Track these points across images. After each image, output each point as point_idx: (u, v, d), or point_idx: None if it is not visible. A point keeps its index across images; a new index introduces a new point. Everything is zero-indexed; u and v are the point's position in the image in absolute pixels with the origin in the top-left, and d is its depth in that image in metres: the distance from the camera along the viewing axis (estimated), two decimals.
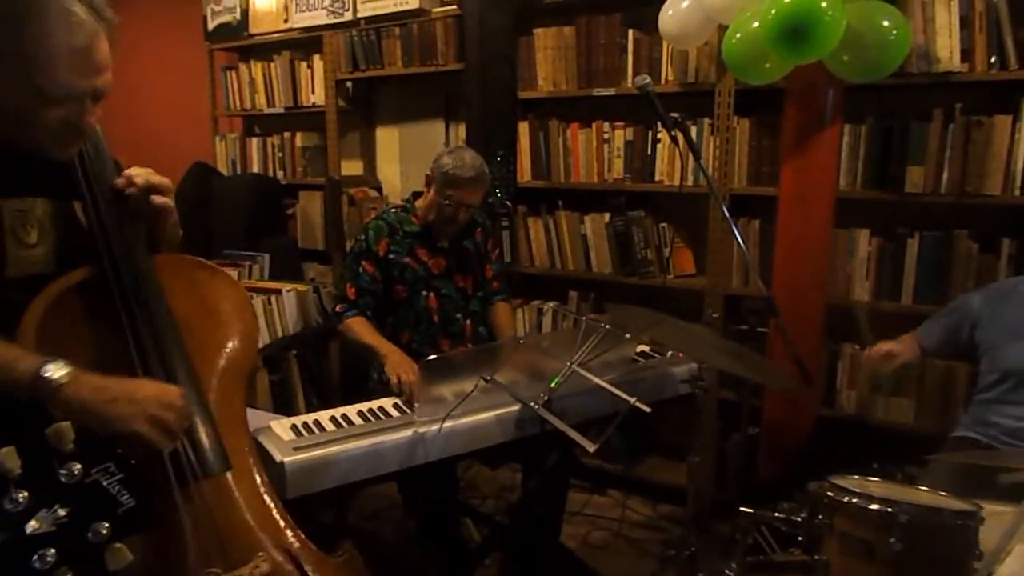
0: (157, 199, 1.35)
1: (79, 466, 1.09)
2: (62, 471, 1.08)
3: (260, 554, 1.27)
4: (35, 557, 1.04)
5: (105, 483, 1.13)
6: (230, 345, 1.43)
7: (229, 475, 1.30)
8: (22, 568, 1.04)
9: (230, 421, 1.36)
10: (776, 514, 1.71)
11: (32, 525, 1.03)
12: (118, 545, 1.12)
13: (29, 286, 1.27)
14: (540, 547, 2.30)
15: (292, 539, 1.34)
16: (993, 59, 2.31)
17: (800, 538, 1.67)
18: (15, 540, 1.02)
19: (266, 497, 1.36)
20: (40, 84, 1.14)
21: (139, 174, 1.35)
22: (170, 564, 1.21)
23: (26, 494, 1.03)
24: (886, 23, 2.14)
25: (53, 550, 1.05)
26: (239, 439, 1.37)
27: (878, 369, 2.23)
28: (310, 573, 1.31)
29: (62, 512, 1.07)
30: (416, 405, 1.90)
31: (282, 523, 1.36)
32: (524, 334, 3.21)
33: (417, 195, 2.54)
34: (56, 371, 1.13)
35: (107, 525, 1.11)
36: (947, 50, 2.35)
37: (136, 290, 1.30)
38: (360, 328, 2.42)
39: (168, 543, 1.22)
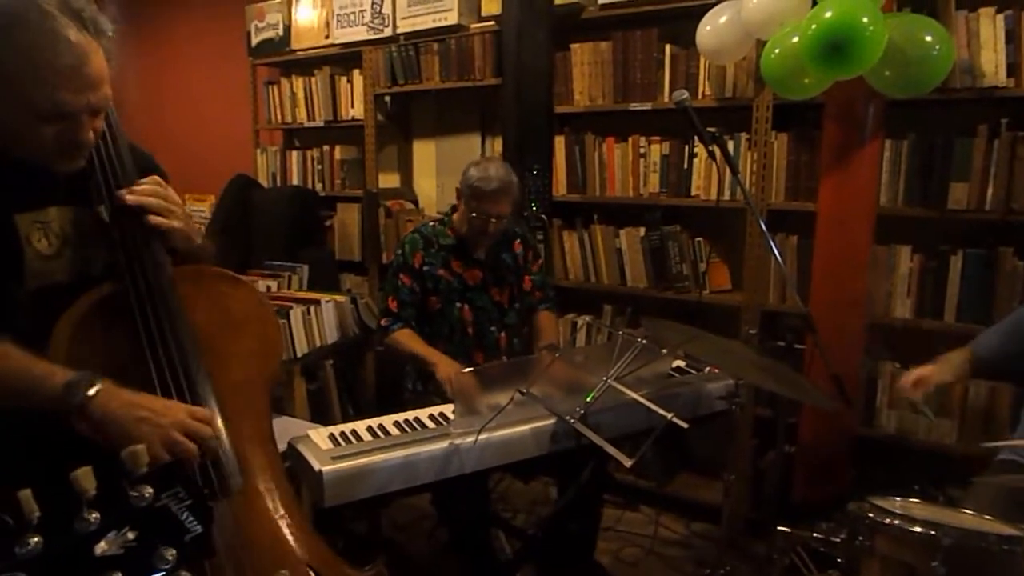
0: (152, 219, 1.30)
1: (151, 489, 1.06)
2: (133, 494, 1.04)
3: (282, 572, 1.24)
4: None
5: (174, 508, 1.10)
6: (252, 358, 1.42)
7: (249, 491, 1.29)
8: None
9: (251, 435, 1.36)
10: (814, 534, 1.68)
11: (101, 547, 1.00)
12: (185, 573, 1.08)
13: (51, 296, 1.28)
14: (574, 562, 2.29)
15: (316, 555, 1.33)
16: None
17: (839, 560, 1.65)
18: (84, 562, 0.99)
19: (290, 512, 1.35)
20: (31, 103, 1.14)
21: (138, 190, 1.31)
22: None
23: (97, 515, 1.00)
24: (929, 38, 2.11)
25: (119, 573, 1.02)
26: (261, 453, 1.36)
27: (913, 398, 2.14)
28: None
29: (131, 535, 1.03)
30: (452, 419, 1.92)
31: (306, 538, 1.34)
32: (560, 347, 3.21)
33: (456, 208, 2.58)
34: (88, 383, 1.16)
35: (173, 552, 1.07)
36: (992, 64, 2.32)
37: (156, 305, 1.29)
38: (407, 339, 2.46)
39: None
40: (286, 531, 1.33)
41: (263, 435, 1.39)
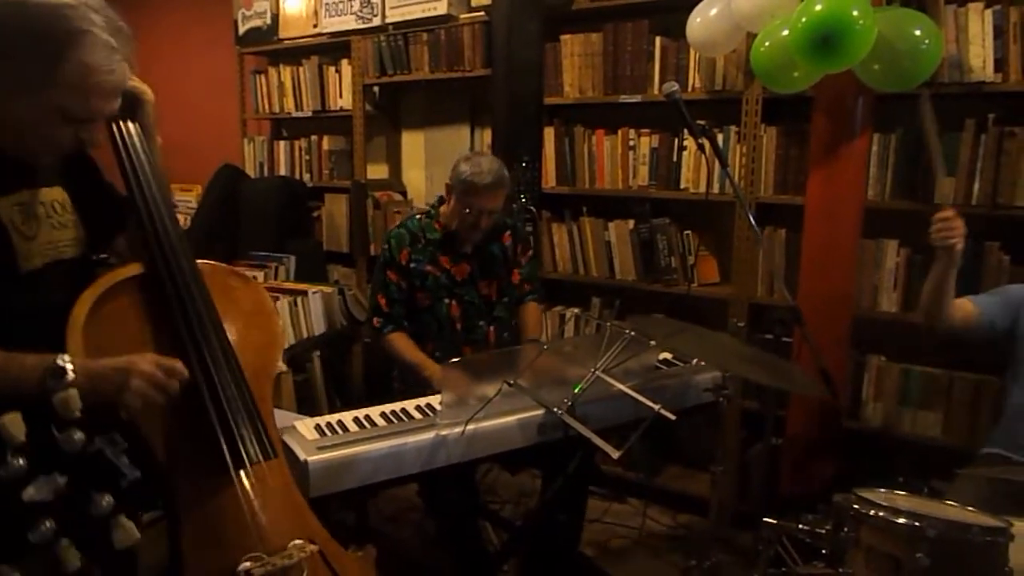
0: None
1: (80, 434, 1.06)
2: (61, 437, 1.04)
3: (296, 541, 1.31)
4: (33, 527, 1.02)
5: (109, 453, 1.10)
6: (262, 347, 1.50)
7: (272, 465, 1.37)
8: (19, 538, 1.02)
9: (267, 417, 1.43)
10: (800, 526, 1.69)
11: (29, 492, 1.01)
12: (125, 521, 1.10)
13: (34, 279, 1.31)
14: (559, 554, 2.29)
15: (317, 532, 1.40)
16: None
17: (824, 551, 1.65)
18: (12, 507, 0.99)
19: (294, 490, 1.43)
20: (69, 107, 1.19)
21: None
22: (219, 544, 1.26)
23: (23, 460, 1.00)
24: (918, 32, 2.12)
25: (52, 520, 1.03)
26: (274, 434, 1.44)
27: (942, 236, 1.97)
28: (333, 563, 1.36)
29: (62, 480, 1.03)
30: (439, 409, 1.91)
31: (309, 515, 1.42)
32: (547, 339, 3.21)
33: (443, 201, 2.55)
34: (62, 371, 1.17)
35: (109, 498, 1.08)
36: (980, 59, 2.32)
37: (188, 288, 1.36)
38: (402, 345, 2.45)
39: (218, 525, 1.28)
40: (292, 506, 1.40)
41: (272, 419, 1.46)
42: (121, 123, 1.42)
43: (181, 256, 1.38)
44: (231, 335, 1.42)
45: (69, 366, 1.16)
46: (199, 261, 1.47)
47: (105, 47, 1.19)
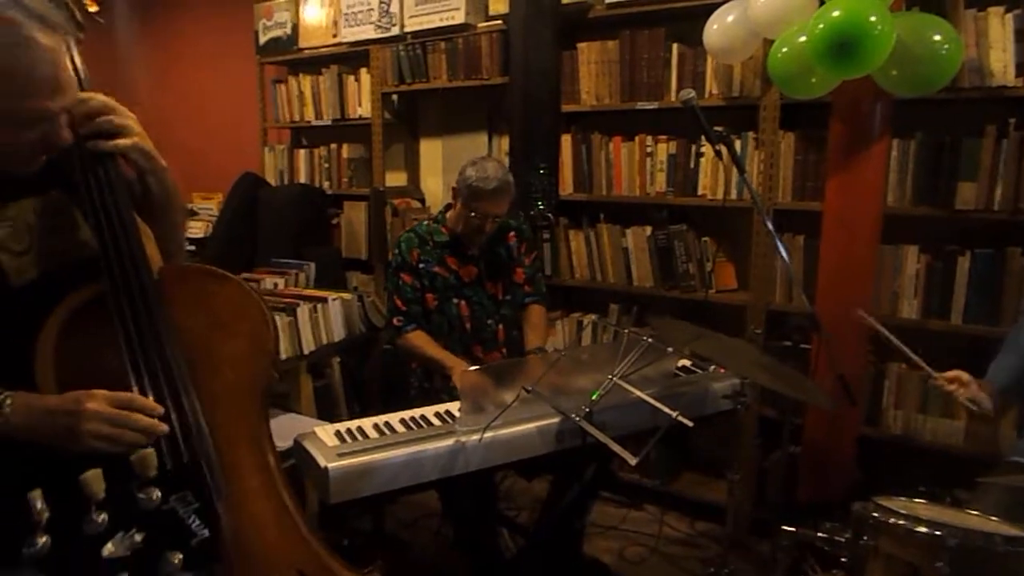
0: (101, 145, 1.27)
1: (158, 492, 1.07)
2: (141, 495, 1.06)
3: None
4: None
5: (181, 512, 1.12)
6: (241, 359, 1.36)
7: (240, 495, 1.26)
8: None
9: (241, 439, 1.31)
10: (819, 534, 1.68)
11: (108, 548, 1.03)
12: None
13: (30, 294, 1.26)
14: (563, 556, 2.29)
15: (310, 559, 1.30)
16: None
17: (843, 559, 1.64)
18: (91, 562, 1.02)
19: (285, 515, 1.31)
20: (11, 113, 1.13)
21: (80, 111, 1.26)
22: None
23: (105, 517, 1.03)
24: (937, 37, 2.11)
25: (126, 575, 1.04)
26: (255, 455, 1.32)
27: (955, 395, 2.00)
28: None
29: (138, 537, 1.05)
30: (458, 416, 1.93)
31: (301, 542, 1.31)
32: (563, 346, 3.22)
33: (449, 206, 2.60)
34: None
35: (180, 555, 1.09)
36: (1001, 64, 2.31)
37: (137, 308, 1.24)
38: (422, 342, 2.49)
39: None
40: (279, 535, 1.30)
41: (257, 436, 1.35)
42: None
43: (131, 269, 1.24)
44: (201, 351, 1.29)
45: (7, 406, 1.11)
46: (171, 266, 1.36)
47: (28, 45, 1.10)
